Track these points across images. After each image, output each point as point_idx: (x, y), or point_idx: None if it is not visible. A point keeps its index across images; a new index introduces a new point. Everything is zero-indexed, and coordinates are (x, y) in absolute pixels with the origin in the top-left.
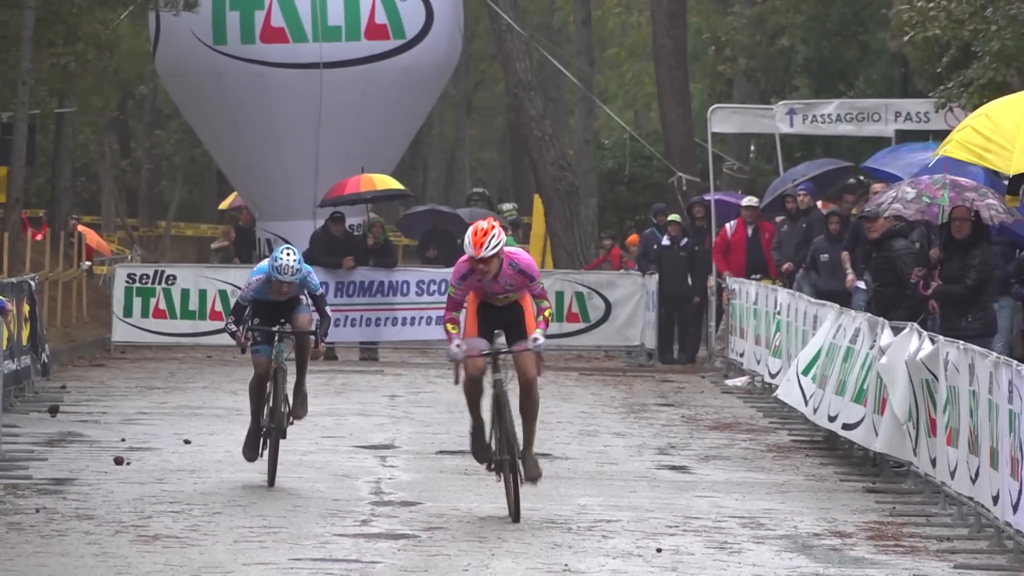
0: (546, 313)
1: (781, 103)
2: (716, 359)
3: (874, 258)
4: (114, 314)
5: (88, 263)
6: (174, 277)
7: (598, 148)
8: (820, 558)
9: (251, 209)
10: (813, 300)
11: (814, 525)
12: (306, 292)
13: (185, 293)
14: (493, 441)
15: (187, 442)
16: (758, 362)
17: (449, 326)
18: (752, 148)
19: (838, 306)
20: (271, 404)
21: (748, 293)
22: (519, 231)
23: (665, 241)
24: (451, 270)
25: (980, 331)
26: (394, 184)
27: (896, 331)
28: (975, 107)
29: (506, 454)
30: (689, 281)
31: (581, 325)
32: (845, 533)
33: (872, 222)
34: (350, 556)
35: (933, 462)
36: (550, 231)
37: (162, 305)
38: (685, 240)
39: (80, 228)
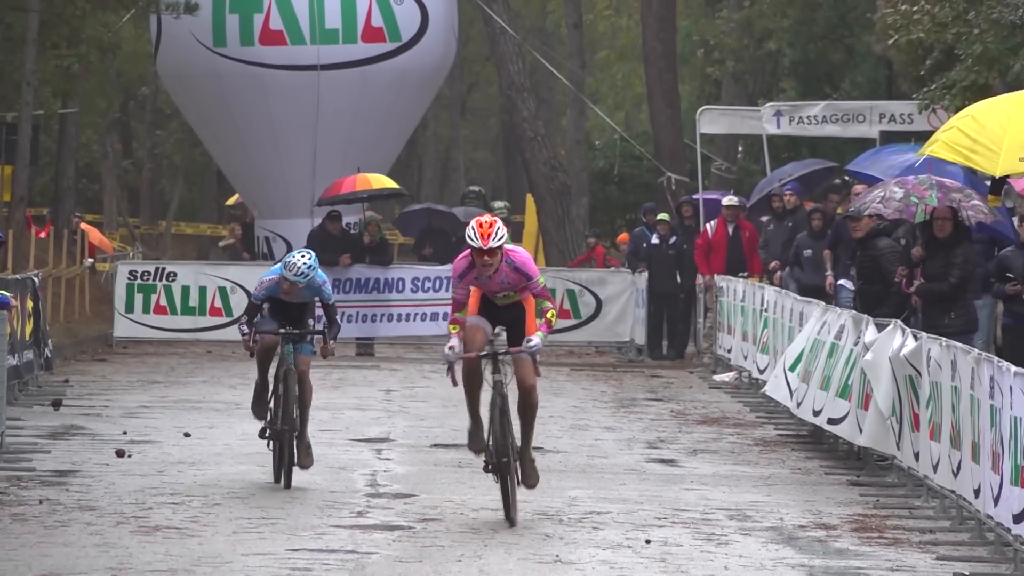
0: (548, 315)
1: (768, 105)
2: (704, 355)
3: (859, 257)
4: (116, 310)
5: (91, 260)
6: (174, 274)
7: (589, 148)
8: (805, 549)
9: (250, 208)
10: (799, 297)
11: (799, 517)
12: (318, 300)
13: (185, 290)
14: (490, 441)
15: (187, 435)
16: (745, 358)
17: (451, 327)
18: (740, 149)
19: (823, 303)
20: (283, 406)
21: (735, 290)
22: (510, 229)
23: (654, 240)
24: (446, 267)
25: (962, 328)
26: (390, 183)
27: (880, 328)
28: (958, 109)
29: (503, 456)
30: (678, 279)
31: (572, 321)
32: (830, 525)
33: (857, 221)
34: (346, 547)
35: (916, 456)
36: (542, 229)
37: (163, 301)
38: (674, 239)
39: (83, 226)
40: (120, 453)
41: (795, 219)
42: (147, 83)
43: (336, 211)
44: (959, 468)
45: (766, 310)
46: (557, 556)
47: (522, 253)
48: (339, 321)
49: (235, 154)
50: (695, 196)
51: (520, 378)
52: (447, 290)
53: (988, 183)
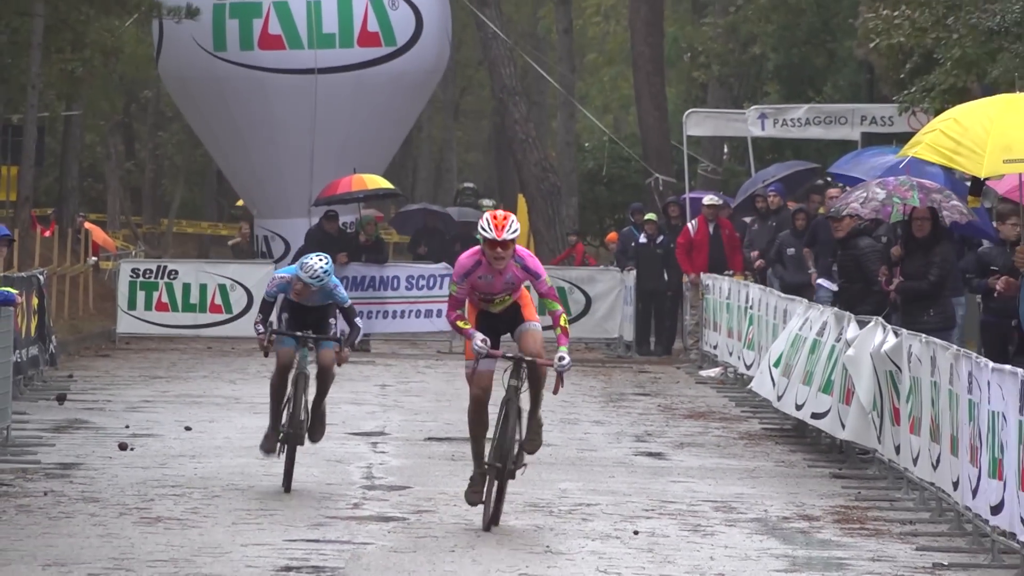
0: (563, 322)
1: (753, 107)
2: (691, 351)
3: (840, 256)
4: (119, 307)
5: (94, 258)
6: (176, 272)
7: (579, 150)
8: (789, 540)
9: (249, 207)
10: (783, 295)
11: (783, 509)
12: (334, 304)
13: (186, 287)
14: (494, 442)
15: (188, 429)
16: (731, 354)
17: (460, 323)
18: (725, 150)
19: (806, 300)
20: (291, 409)
21: (721, 288)
22: None
23: (642, 239)
24: (440, 265)
25: (940, 324)
26: (385, 184)
27: (862, 325)
28: (937, 111)
29: (497, 461)
30: (665, 277)
31: None
32: (813, 516)
33: (838, 222)
34: (342, 537)
35: (897, 449)
36: (533, 229)
37: (164, 298)
38: (661, 238)
39: (87, 225)
40: (123, 446)
41: (779, 219)
42: (149, 86)
43: (333, 211)
44: (938, 461)
45: (751, 307)
46: (547, 547)
47: (530, 253)
48: (359, 324)
49: (235, 155)
50: (682, 196)
51: (526, 349)
52: (441, 287)
53: (968, 183)
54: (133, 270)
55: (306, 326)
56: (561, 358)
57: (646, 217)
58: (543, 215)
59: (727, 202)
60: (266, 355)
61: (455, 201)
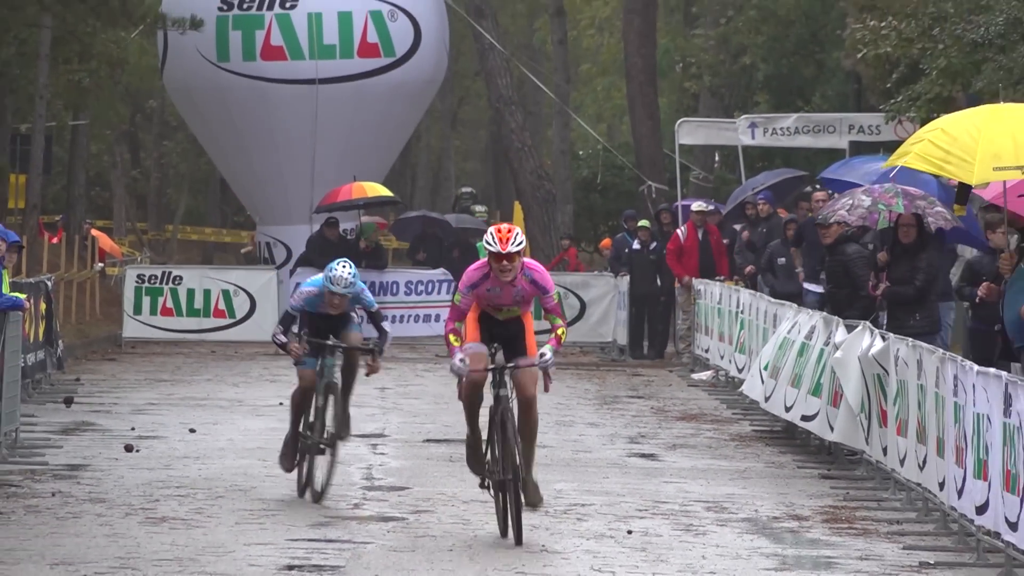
0: (559, 331)
1: (743, 117)
2: (683, 355)
3: (828, 262)
4: (125, 312)
5: (101, 264)
6: (180, 278)
7: (573, 158)
8: (779, 539)
9: (251, 214)
10: (773, 300)
11: (773, 509)
12: (360, 308)
13: (191, 292)
14: (488, 455)
15: (192, 431)
16: (722, 358)
17: (451, 337)
18: (716, 158)
19: (796, 305)
20: (319, 418)
21: (712, 293)
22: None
23: (636, 245)
24: (439, 271)
25: (926, 328)
26: (384, 191)
27: (849, 329)
28: (923, 120)
29: (508, 474)
30: (658, 282)
31: None
32: (802, 516)
33: (826, 228)
34: (343, 537)
35: (884, 451)
36: (529, 236)
37: (169, 303)
38: (654, 244)
39: (93, 232)
40: (128, 448)
41: (769, 226)
42: (154, 96)
43: (334, 217)
44: (925, 462)
45: (742, 312)
46: (543, 546)
47: (540, 267)
48: (387, 328)
49: (238, 163)
50: (674, 204)
51: (520, 388)
52: (439, 293)
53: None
54: (139, 276)
55: (330, 331)
56: (542, 354)
57: (639, 224)
58: (539, 222)
59: (718, 208)
60: (297, 363)
61: (454, 205)
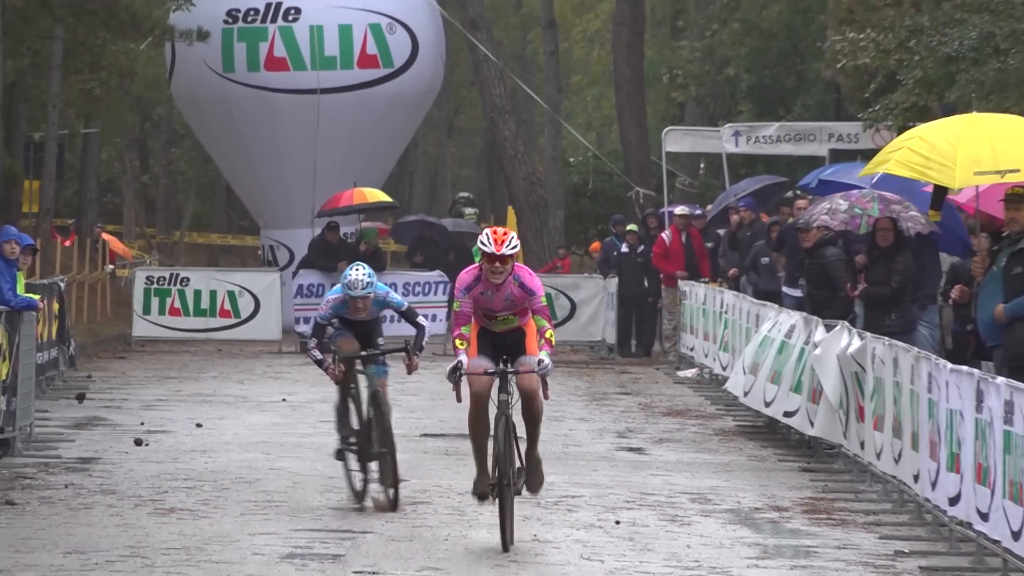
0: (547, 335)
1: (727, 125)
2: (669, 353)
3: (807, 265)
4: (134, 312)
5: (111, 267)
6: (187, 279)
7: (564, 165)
8: (760, 529)
9: (256, 218)
10: (755, 301)
11: (755, 500)
12: (388, 311)
13: (197, 293)
14: (491, 461)
15: (199, 426)
16: (706, 356)
17: (457, 342)
18: (702, 165)
19: (777, 306)
20: (379, 428)
21: (697, 294)
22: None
23: (624, 248)
24: (435, 273)
25: (902, 328)
26: (383, 197)
27: (828, 328)
28: (900, 128)
29: (504, 480)
30: (645, 284)
31: None
32: (783, 507)
33: (805, 233)
34: (343, 527)
35: (861, 445)
36: (521, 239)
37: (177, 304)
38: (641, 247)
39: (104, 236)
40: (138, 442)
41: (752, 230)
42: (162, 105)
43: (335, 222)
44: (900, 456)
45: (726, 312)
46: (535, 535)
47: (528, 270)
48: (423, 323)
49: (243, 170)
50: (661, 210)
51: (522, 385)
52: (436, 294)
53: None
54: (148, 277)
55: (362, 337)
56: (540, 361)
57: (627, 228)
58: (531, 226)
59: (704, 213)
60: (337, 383)
61: (451, 209)
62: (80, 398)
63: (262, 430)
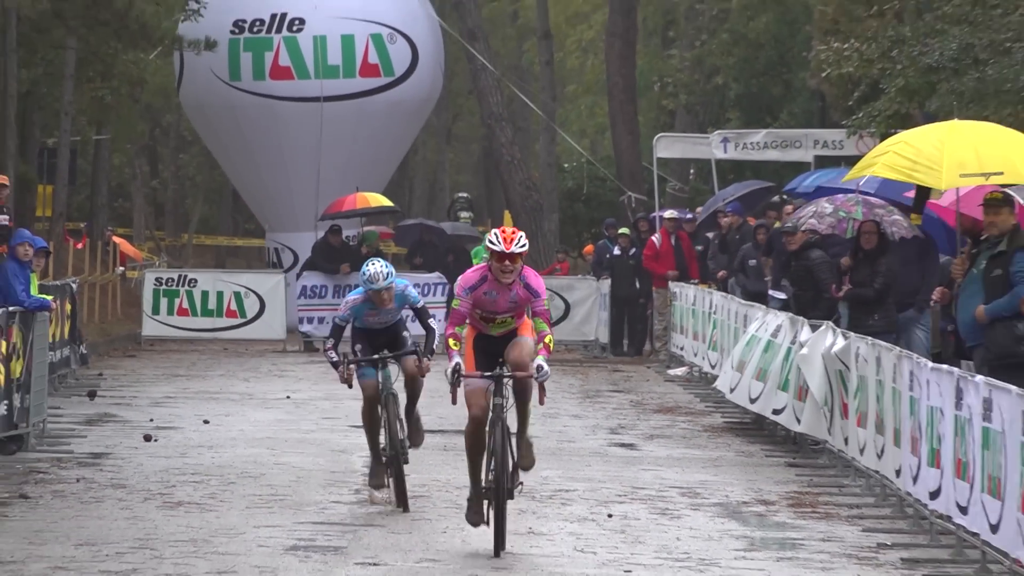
0: (547, 339)
1: (716, 132)
2: (660, 352)
3: (793, 267)
4: (144, 312)
5: (122, 268)
6: (195, 280)
7: (559, 171)
8: (748, 522)
9: (261, 222)
10: (743, 302)
11: (743, 494)
12: (402, 322)
13: (205, 294)
14: (490, 466)
15: (206, 422)
16: (695, 355)
17: (451, 341)
18: (691, 171)
19: (764, 307)
20: (388, 431)
21: (687, 296)
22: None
23: (616, 251)
24: (434, 275)
25: (884, 328)
26: (385, 201)
27: (814, 328)
28: (883, 135)
29: (493, 483)
30: (637, 285)
31: None
32: (769, 501)
33: (791, 236)
34: (345, 520)
35: (845, 440)
36: None
37: (185, 304)
38: (633, 250)
39: (115, 238)
40: (147, 438)
41: (741, 232)
42: (171, 113)
43: (337, 225)
44: (883, 451)
45: (714, 312)
46: (530, 528)
47: (533, 272)
48: (434, 326)
49: (248, 175)
50: (652, 214)
51: (513, 359)
52: (435, 295)
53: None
54: (157, 279)
55: (383, 343)
56: (539, 367)
57: (619, 231)
58: (527, 230)
59: (694, 217)
60: (350, 387)
61: (449, 210)
62: (91, 395)
63: (267, 426)
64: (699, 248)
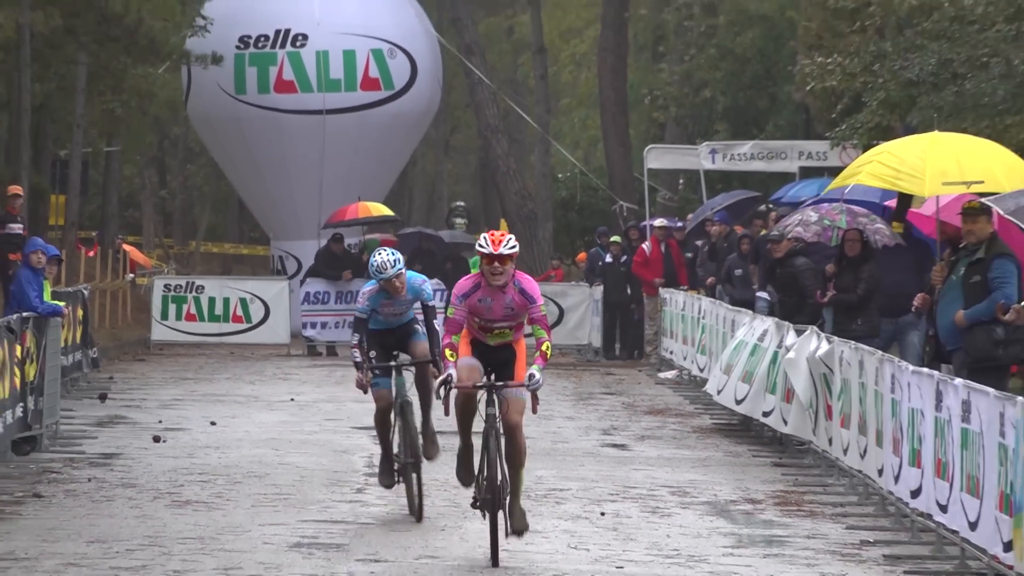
0: (544, 347)
1: (705, 144)
2: (651, 356)
3: (778, 274)
4: (153, 317)
5: (132, 275)
6: (203, 287)
7: (553, 181)
8: (735, 520)
9: (266, 230)
10: (731, 307)
11: (731, 493)
12: (413, 321)
13: (212, 300)
14: (481, 475)
15: (213, 424)
16: (685, 359)
17: (448, 352)
18: (681, 181)
19: (751, 312)
20: (403, 437)
21: (677, 301)
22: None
23: (608, 258)
24: (432, 281)
25: (867, 332)
26: (385, 211)
27: (799, 333)
28: (865, 147)
29: (487, 494)
30: (628, 291)
31: None
32: (756, 500)
33: (776, 244)
34: (347, 518)
35: (830, 441)
36: None
37: (193, 310)
38: (624, 257)
39: (125, 246)
40: (156, 439)
41: (729, 242)
42: (179, 125)
43: (339, 234)
44: (865, 451)
45: (703, 318)
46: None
47: (528, 278)
48: (438, 328)
49: (254, 185)
50: (643, 223)
51: (505, 416)
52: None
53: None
54: (165, 285)
55: (396, 346)
56: (531, 375)
57: (611, 239)
58: (522, 238)
59: (684, 226)
60: (364, 392)
61: (447, 219)
62: (102, 398)
63: (272, 428)
64: (689, 256)
